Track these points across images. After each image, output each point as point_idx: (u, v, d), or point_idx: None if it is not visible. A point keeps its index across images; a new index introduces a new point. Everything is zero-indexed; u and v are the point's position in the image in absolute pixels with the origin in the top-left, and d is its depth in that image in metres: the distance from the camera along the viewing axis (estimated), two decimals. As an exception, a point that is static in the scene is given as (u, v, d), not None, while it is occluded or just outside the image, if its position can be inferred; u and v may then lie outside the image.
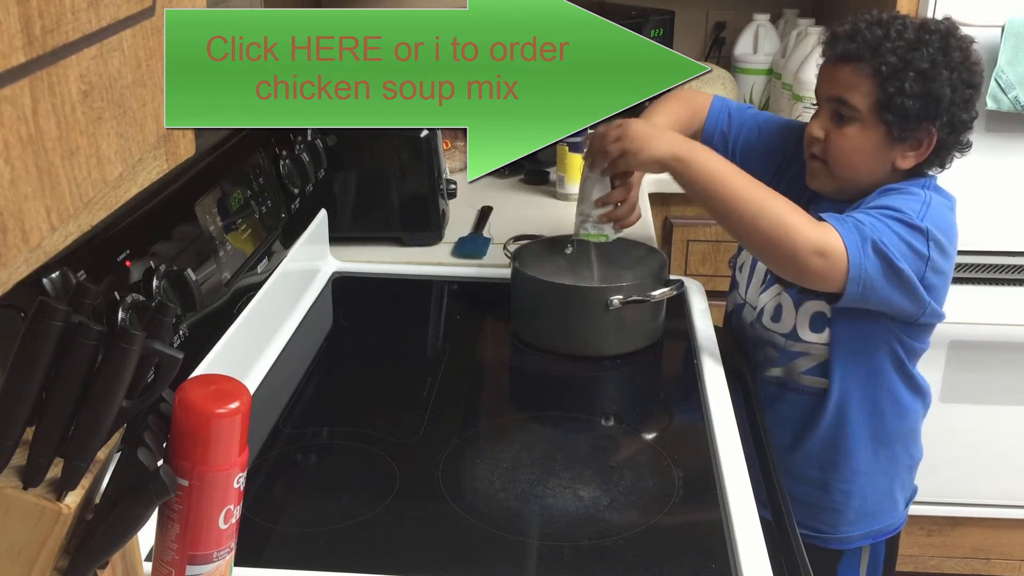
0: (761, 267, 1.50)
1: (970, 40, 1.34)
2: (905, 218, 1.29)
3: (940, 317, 1.39)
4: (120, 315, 0.93)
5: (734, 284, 1.59)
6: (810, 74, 2.17)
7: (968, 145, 1.37)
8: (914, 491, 1.59)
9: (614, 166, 1.40)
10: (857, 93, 1.32)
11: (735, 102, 1.60)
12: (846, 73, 1.33)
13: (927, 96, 1.28)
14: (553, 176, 2.10)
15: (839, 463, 1.48)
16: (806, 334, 1.43)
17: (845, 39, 1.33)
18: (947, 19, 1.36)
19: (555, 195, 2.08)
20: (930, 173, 1.39)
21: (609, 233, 1.47)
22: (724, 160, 1.32)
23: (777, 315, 1.47)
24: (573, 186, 2.05)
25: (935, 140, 1.32)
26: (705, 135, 1.55)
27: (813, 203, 1.47)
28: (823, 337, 1.42)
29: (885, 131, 1.32)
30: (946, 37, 1.31)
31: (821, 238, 1.25)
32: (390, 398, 1.35)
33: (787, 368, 1.48)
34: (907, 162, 1.34)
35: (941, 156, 1.35)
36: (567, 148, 2.02)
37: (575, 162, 2.03)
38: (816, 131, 1.37)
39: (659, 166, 1.34)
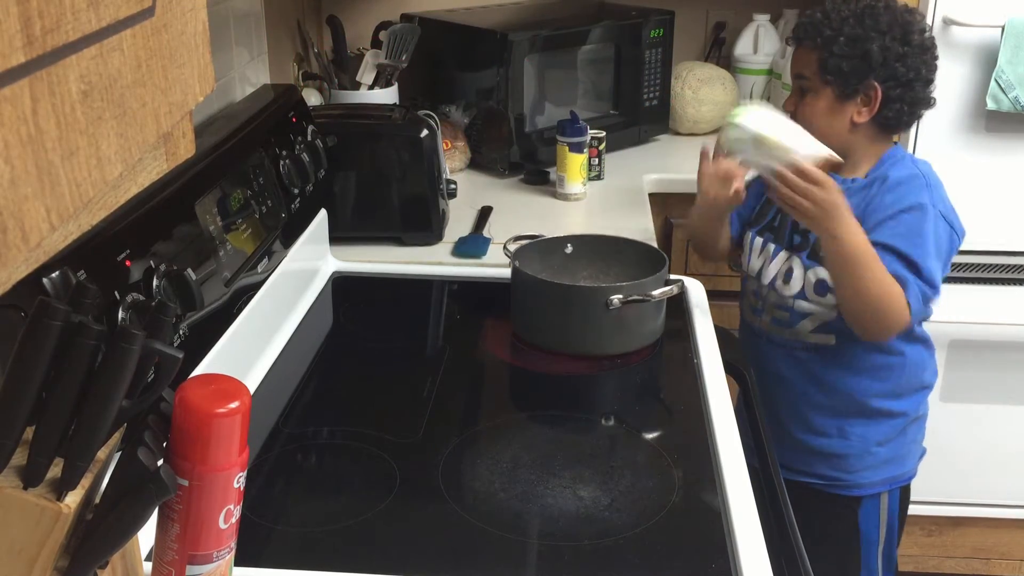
0: (771, 244, 1.64)
1: (906, 9, 1.54)
2: (926, 215, 1.47)
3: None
4: (120, 315, 0.93)
5: (747, 259, 1.70)
6: (810, 74, 2.17)
7: (926, 101, 1.54)
8: (923, 451, 1.73)
9: (792, 211, 1.47)
10: (807, 66, 1.55)
11: None
12: (800, 53, 1.58)
13: (857, 56, 1.49)
14: (553, 176, 2.10)
15: (852, 412, 1.62)
16: (813, 296, 1.57)
17: (798, 27, 1.59)
18: None
19: (555, 195, 2.08)
20: (897, 132, 1.58)
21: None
22: (865, 239, 1.44)
23: (788, 277, 1.60)
24: (573, 186, 2.04)
25: (880, 93, 1.50)
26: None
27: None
28: (829, 299, 1.55)
29: (832, 92, 1.53)
30: (874, 7, 1.52)
31: (906, 323, 1.47)
32: (390, 398, 1.35)
33: (796, 329, 1.61)
34: (862, 117, 1.53)
35: (895, 110, 1.52)
36: (567, 148, 2.02)
37: (575, 162, 2.02)
38: (788, 106, 1.60)
39: (818, 231, 1.47)
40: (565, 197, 2.05)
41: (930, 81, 1.53)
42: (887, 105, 1.51)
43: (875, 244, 1.45)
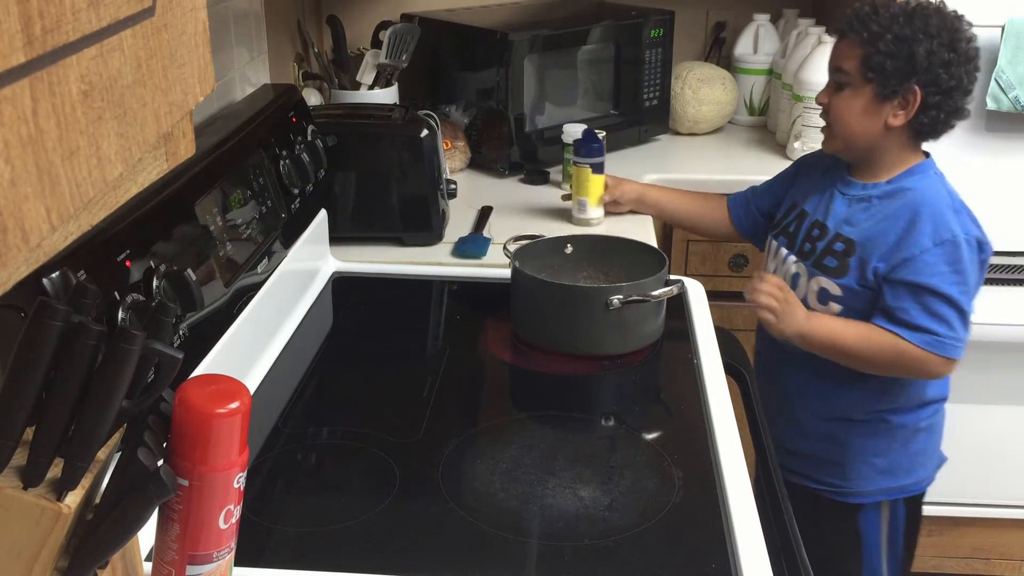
0: (784, 249, 1.65)
1: (956, 15, 1.50)
2: (959, 248, 1.47)
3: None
4: (120, 315, 0.93)
5: (765, 262, 1.72)
6: (810, 74, 2.17)
7: (960, 112, 1.51)
8: (941, 459, 1.72)
9: (763, 313, 1.52)
10: (849, 60, 1.51)
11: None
12: (842, 46, 1.54)
13: (903, 56, 1.46)
14: (553, 176, 2.09)
15: (848, 421, 1.61)
16: (815, 304, 1.57)
17: (843, 20, 1.55)
18: (935, 2, 1.52)
19: (571, 219, 2.00)
20: (928, 140, 1.55)
21: None
22: (835, 321, 1.53)
23: (795, 283, 1.60)
24: (595, 210, 1.87)
25: (919, 98, 1.47)
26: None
27: (832, 177, 1.62)
28: (832, 308, 1.56)
29: (872, 90, 1.50)
30: (926, 9, 1.49)
31: (942, 371, 1.52)
32: (390, 398, 1.35)
33: None
34: (898, 120, 1.50)
35: (931, 117, 1.49)
36: (590, 170, 1.85)
37: (597, 184, 1.86)
38: (821, 98, 1.59)
39: (785, 339, 1.54)
40: (586, 223, 1.87)
41: (969, 92, 1.50)
42: (924, 111, 1.48)
43: (915, 285, 1.46)
